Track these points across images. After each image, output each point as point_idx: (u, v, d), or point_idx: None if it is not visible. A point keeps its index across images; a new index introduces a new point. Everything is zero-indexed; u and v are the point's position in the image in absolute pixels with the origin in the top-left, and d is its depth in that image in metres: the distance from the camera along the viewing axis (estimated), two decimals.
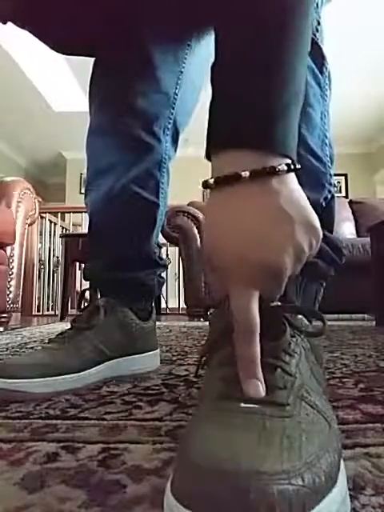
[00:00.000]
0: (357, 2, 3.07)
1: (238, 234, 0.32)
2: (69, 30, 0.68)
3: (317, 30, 0.51)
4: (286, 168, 0.33)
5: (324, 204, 0.50)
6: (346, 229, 2.93)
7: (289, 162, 0.33)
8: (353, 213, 3.06)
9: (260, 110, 0.34)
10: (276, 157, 0.33)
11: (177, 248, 2.73)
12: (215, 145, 0.35)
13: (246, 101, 0.34)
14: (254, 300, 0.32)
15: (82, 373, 0.60)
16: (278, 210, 0.32)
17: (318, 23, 0.52)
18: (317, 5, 0.52)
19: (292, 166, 0.33)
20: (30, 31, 0.68)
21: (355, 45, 3.62)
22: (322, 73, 0.51)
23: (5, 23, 0.65)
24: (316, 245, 0.35)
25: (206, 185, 0.34)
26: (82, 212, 4.11)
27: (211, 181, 0.34)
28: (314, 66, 0.50)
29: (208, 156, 0.36)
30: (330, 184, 0.51)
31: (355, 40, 3.55)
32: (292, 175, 0.34)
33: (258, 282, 0.32)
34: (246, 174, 0.32)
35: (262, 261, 0.32)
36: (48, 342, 0.65)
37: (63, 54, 0.75)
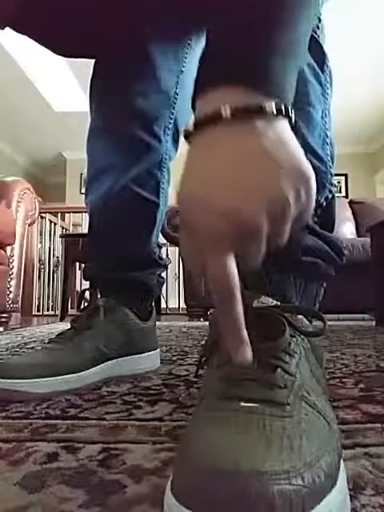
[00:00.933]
0: (358, 1, 3.07)
1: (206, 177, 0.28)
2: (69, 33, 0.68)
3: (317, 28, 0.50)
4: (274, 109, 0.29)
5: (324, 204, 0.50)
6: (346, 229, 2.93)
7: (281, 107, 0.29)
8: (353, 213, 3.07)
9: (255, 47, 0.30)
10: (268, 98, 0.29)
11: (177, 248, 2.73)
12: (202, 84, 0.31)
13: (240, 39, 0.31)
14: (227, 258, 0.27)
15: (81, 373, 0.60)
16: (259, 152, 0.28)
17: (319, 20, 0.51)
18: (317, 2, 0.52)
19: (283, 111, 0.29)
20: (29, 36, 0.68)
21: (356, 44, 3.61)
22: (322, 71, 0.50)
23: (3, 29, 0.65)
24: (306, 197, 0.30)
25: (186, 134, 0.31)
26: (82, 212, 4.10)
27: (191, 127, 0.30)
28: (314, 63, 0.49)
29: (194, 104, 0.32)
30: (331, 184, 0.51)
31: (356, 39, 3.55)
32: (284, 122, 0.30)
33: (230, 238, 0.28)
34: (226, 111, 0.28)
35: (231, 209, 0.27)
36: (48, 342, 0.65)
37: (64, 56, 0.75)
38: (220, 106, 0.28)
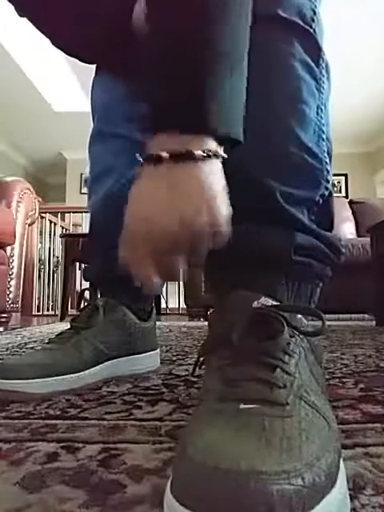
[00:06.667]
0: (357, 1, 3.07)
1: (146, 201, 0.36)
2: (74, 30, 0.67)
3: (312, 20, 0.48)
4: (201, 154, 0.34)
5: (320, 201, 0.49)
6: (346, 229, 2.93)
7: (212, 147, 0.35)
8: (353, 213, 3.06)
9: (182, 87, 0.35)
10: (203, 138, 0.35)
11: None
12: (147, 131, 0.38)
13: (166, 81, 0.36)
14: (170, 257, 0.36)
15: (81, 373, 0.60)
16: (186, 187, 0.35)
17: (314, 13, 0.49)
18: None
19: (213, 153, 0.35)
20: (30, 21, 0.67)
21: (357, 44, 3.61)
22: (317, 65, 0.48)
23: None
24: (211, 214, 0.35)
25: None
26: (82, 212, 4.11)
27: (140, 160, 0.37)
28: (308, 58, 0.47)
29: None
30: (327, 181, 0.49)
31: (357, 39, 3.54)
32: (213, 162, 0.35)
33: (167, 242, 0.35)
34: (166, 155, 0.35)
35: (158, 221, 0.35)
36: (47, 342, 0.65)
37: (66, 52, 0.74)
38: (161, 152, 0.35)
